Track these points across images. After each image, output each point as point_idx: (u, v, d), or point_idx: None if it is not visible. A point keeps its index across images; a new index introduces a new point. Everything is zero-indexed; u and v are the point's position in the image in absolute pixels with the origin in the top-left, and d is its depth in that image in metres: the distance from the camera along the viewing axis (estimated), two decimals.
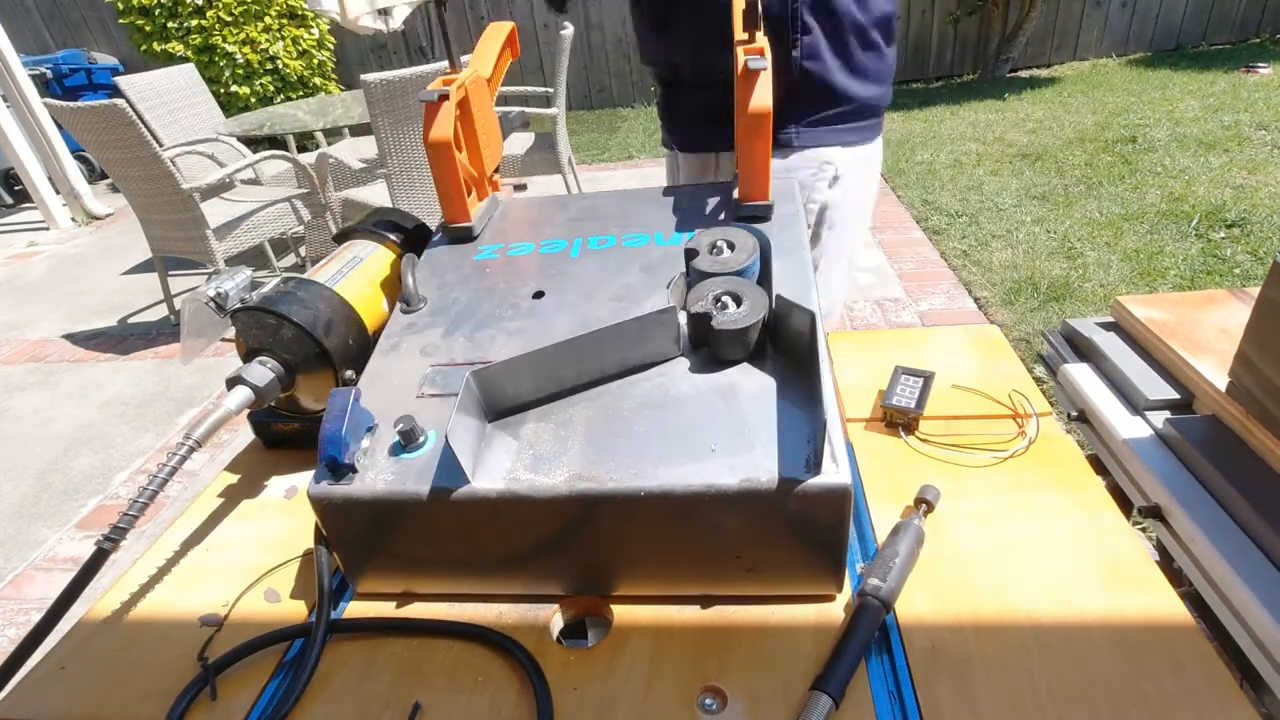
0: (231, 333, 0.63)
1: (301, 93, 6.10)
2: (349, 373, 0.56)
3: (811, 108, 0.97)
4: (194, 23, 5.53)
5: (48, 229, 5.06)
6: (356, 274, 0.69)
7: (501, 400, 0.53)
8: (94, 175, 5.64)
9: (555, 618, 0.52)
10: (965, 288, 2.83)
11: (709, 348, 0.55)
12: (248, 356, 0.62)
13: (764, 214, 0.69)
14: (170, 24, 5.57)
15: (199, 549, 0.62)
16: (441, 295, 0.66)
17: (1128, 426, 0.75)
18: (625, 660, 0.48)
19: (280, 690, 0.49)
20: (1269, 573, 0.57)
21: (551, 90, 3.44)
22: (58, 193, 5.07)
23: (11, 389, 2.95)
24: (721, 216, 0.72)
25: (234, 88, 5.70)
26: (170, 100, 3.69)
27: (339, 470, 0.49)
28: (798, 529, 0.46)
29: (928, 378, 0.68)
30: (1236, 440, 0.67)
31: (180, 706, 0.47)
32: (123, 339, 3.28)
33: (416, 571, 0.53)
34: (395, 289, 0.71)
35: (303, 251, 3.79)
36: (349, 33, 4.28)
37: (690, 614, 0.51)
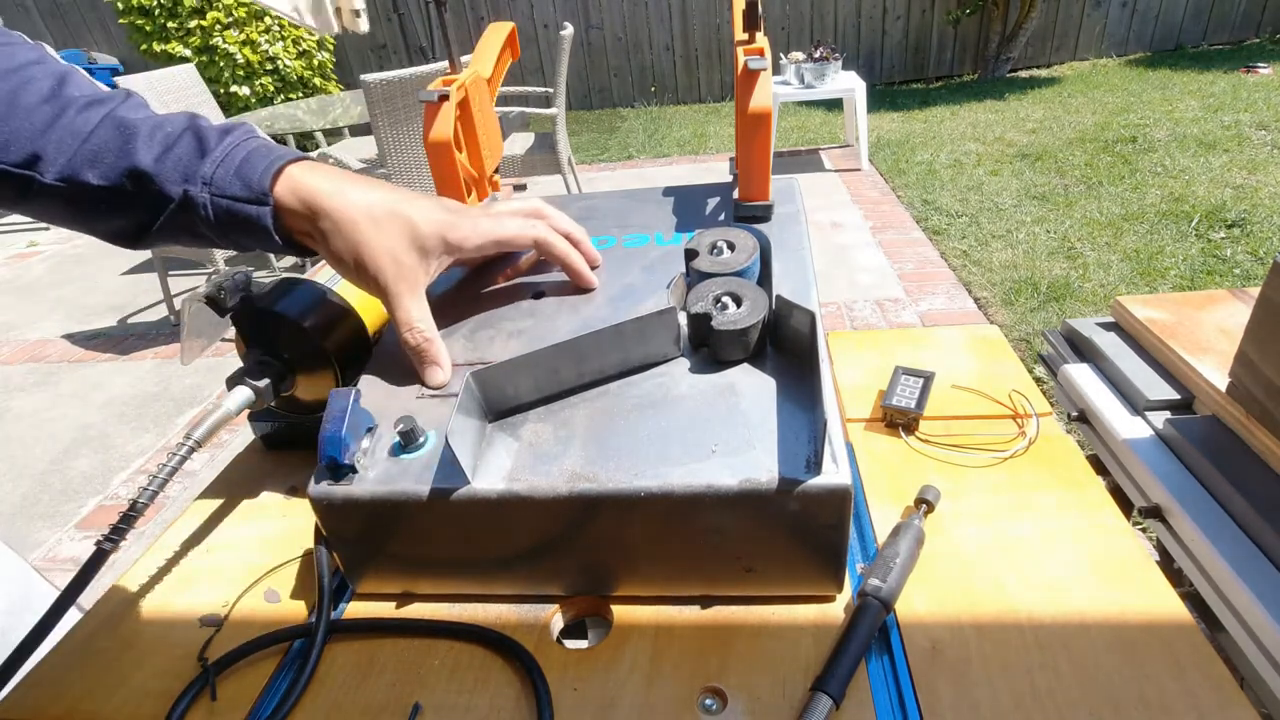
0: (231, 333, 0.63)
1: (302, 93, 6.10)
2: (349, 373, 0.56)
3: None
4: (194, 23, 5.53)
5: (48, 229, 5.06)
6: None
7: (501, 400, 0.53)
8: None
9: (555, 618, 0.52)
10: (965, 288, 2.83)
11: (709, 348, 0.55)
12: (248, 357, 0.62)
13: (764, 214, 0.69)
14: (170, 24, 5.57)
15: (199, 549, 0.62)
16: (441, 295, 0.66)
17: (1128, 427, 0.75)
18: (625, 660, 0.48)
19: (280, 690, 0.49)
20: (1269, 573, 0.57)
21: (551, 90, 3.44)
22: None
23: (11, 389, 2.95)
24: (721, 217, 0.72)
25: (234, 88, 5.70)
26: (170, 101, 3.69)
27: (339, 470, 0.49)
28: (798, 529, 0.46)
29: (928, 378, 0.68)
30: (1237, 441, 0.67)
31: (180, 706, 0.47)
32: (123, 339, 3.28)
33: (416, 571, 0.53)
34: None
35: None
36: (349, 33, 4.29)
37: (690, 614, 0.51)
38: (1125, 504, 0.74)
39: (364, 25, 4.17)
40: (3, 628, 0.69)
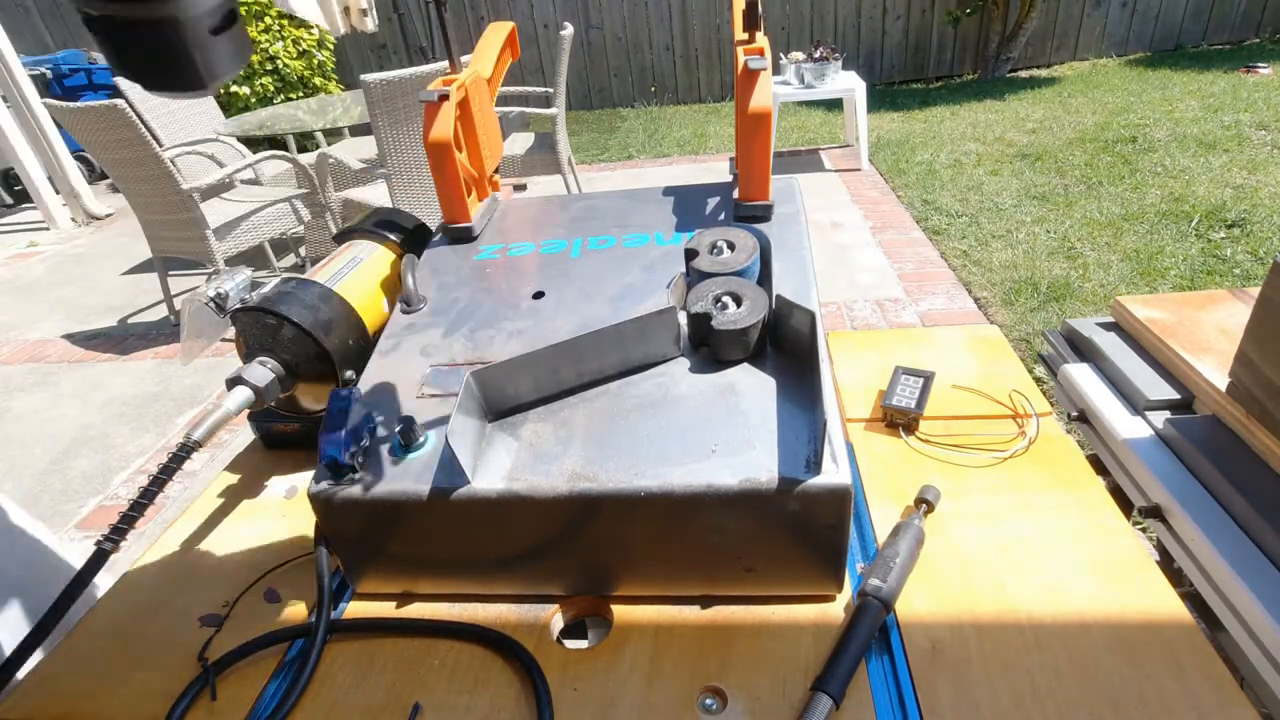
0: (231, 333, 0.63)
1: (301, 93, 6.10)
2: (349, 373, 0.56)
3: None
4: None
5: (48, 229, 5.06)
6: (356, 274, 0.69)
7: (501, 400, 0.53)
8: (94, 175, 5.64)
9: (555, 618, 0.52)
10: (965, 288, 2.83)
11: (709, 348, 0.55)
12: (248, 357, 0.62)
13: (764, 214, 0.69)
14: None
15: (199, 549, 0.62)
16: (442, 295, 0.66)
17: (1128, 426, 0.75)
18: (625, 660, 0.48)
19: (280, 690, 0.49)
20: (1269, 573, 0.57)
21: (551, 90, 3.44)
22: (58, 193, 5.07)
23: (11, 389, 2.95)
24: (721, 216, 0.72)
25: (234, 88, 5.70)
26: (170, 100, 3.69)
27: (339, 470, 0.49)
28: (798, 529, 0.46)
29: (928, 378, 0.68)
30: (1236, 440, 0.67)
31: (180, 706, 0.47)
32: (123, 339, 3.28)
33: (416, 571, 0.53)
34: (395, 289, 0.71)
35: (303, 251, 3.79)
36: (357, 32, 4.30)
37: (690, 614, 0.51)
38: (1125, 504, 0.74)
39: (371, 24, 4.18)
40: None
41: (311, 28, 6.07)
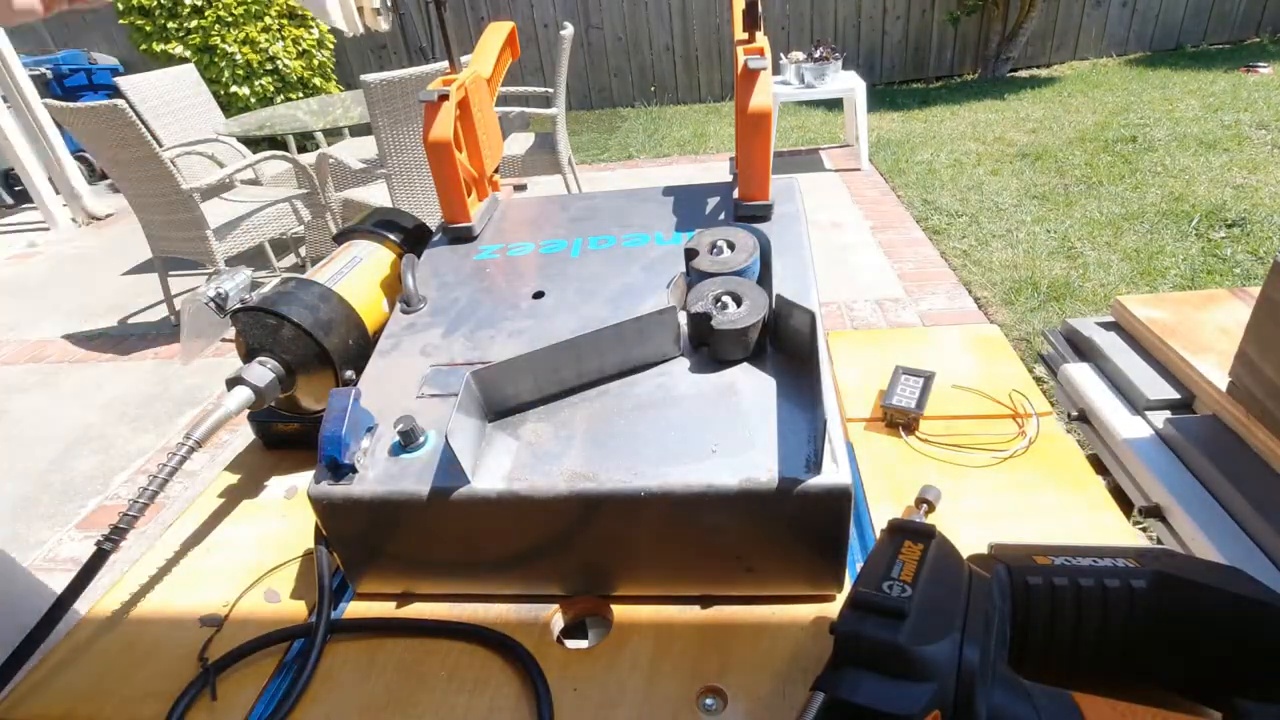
0: (231, 333, 0.63)
1: (302, 93, 6.10)
2: (349, 373, 0.56)
3: None
4: (194, 23, 5.54)
5: (48, 229, 5.06)
6: (356, 274, 0.69)
7: (502, 400, 0.53)
8: (94, 175, 5.64)
9: (555, 618, 0.52)
10: (965, 287, 2.83)
11: (709, 348, 0.55)
12: (248, 357, 0.62)
13: (764, 214, 0.69)
14: (170, 24, 5.58)
15: (199, 549, 0.62)
16: (441, 295, 0.66)
17: (1128, 426, 0.75)
18: (625, 660, 0.48)
19: (280, 690, 0.49)
20: (1269, 572, 0.57)
21: (551, 90, 3.44)
22: (58, 193, 5.07)
23: (12, 389, 2.95)
24: (721, 216, 0.72)
25: (234, 88, 5.70)
26: (170, 101, 3.69)
27: (339, 470, 0.49)
28: (798, 529, 0.46)
29: (928, 378, 0.68)
30: (1237, 440, 0.67)
31: (180, 706, 0.47)
32: (123, 339, 3.28)
33: (417, 571, 0.53)
34: (395, 289, 0.71)
35: (303, 251, 3.79)
36: (372, 32, 4.32)
37: (690, 614, 0.51)
38: (1126, 504, 0.74)
39: (384, 24, 4.20)
40: None
41: (311, 28, 6.07)
